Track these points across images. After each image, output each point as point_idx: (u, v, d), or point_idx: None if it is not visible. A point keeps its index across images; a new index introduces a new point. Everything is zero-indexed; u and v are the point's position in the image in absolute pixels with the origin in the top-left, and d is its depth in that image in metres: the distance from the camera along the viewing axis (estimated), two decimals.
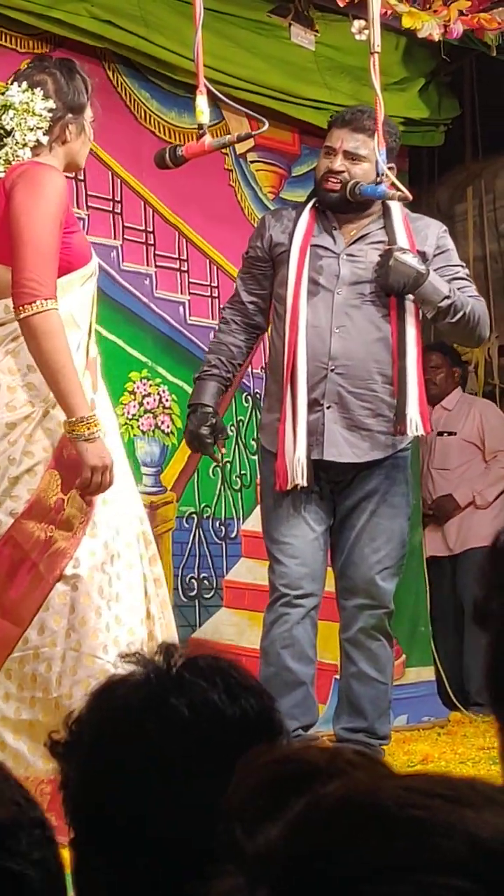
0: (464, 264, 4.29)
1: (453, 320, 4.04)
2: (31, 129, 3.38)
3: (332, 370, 3.99)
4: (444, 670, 5.76)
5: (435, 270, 4.03)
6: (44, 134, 3.40)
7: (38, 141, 3.40)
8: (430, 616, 5.82)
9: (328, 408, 3.99)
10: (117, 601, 3.31)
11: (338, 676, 4.37)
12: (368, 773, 0.79)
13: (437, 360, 6.03)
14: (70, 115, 3.44)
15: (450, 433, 6.04)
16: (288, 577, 3.97)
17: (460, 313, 4.02)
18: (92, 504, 3.30)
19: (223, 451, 4.20)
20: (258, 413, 4.97)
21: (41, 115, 3.39)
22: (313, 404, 3.97)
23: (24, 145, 3.39)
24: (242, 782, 0.83)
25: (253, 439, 5.24)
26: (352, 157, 4.01)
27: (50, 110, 3.41)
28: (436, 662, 5.78)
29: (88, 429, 3.23)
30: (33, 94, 3.40)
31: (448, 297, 3.99)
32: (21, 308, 3.23)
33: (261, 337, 4.33)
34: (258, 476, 4.51)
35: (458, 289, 4.07)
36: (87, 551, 3.28)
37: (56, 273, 3.28)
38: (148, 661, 1.19)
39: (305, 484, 3.91)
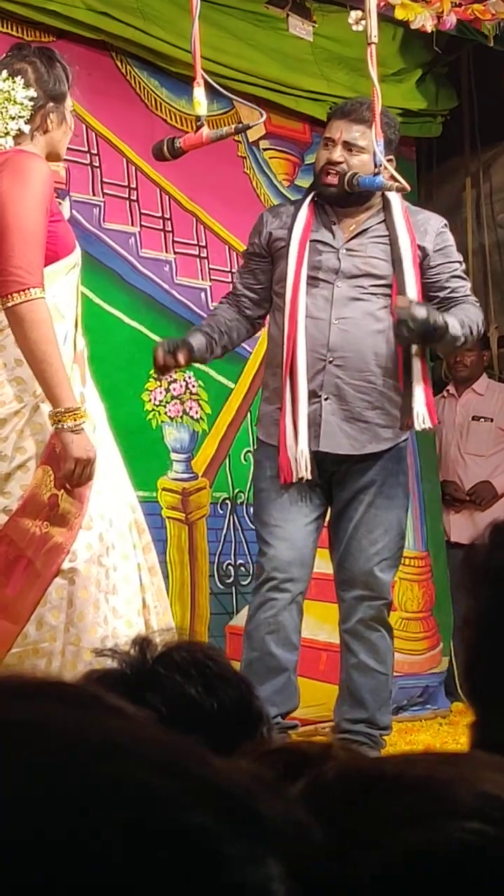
0: (461, 260, 4.27)
1: (460, 345, 4.09)
2: (13, 118, 3.35)
3: (330, 361, 3.98)
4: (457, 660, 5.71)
5: (433, 267, 4.04)
6: (25, 123, 3.37)
7: (19, 130, 3.36)
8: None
9: (326, 399, 3.98)
10: (114, 593, 3.30)
11: None
12: (360, 757, 0.79)
13: None
14: (51, 104, 3.41)
15: (486, 419, 5.95)
16: (277, 561, 3.96)
17: (468, 339, 4.05)
18: (85, 497, 3.29)
19: (181, 363, 4.04)
20: None
21: (22, 104, 3.36)
22: (311, 395, 3.97)
23: (6, 134, 3.36)
24: None
25: None
26: (351, 147, 4.00)
27: (31, 99, 3.37)
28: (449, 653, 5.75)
29: (74, 420, 3.21)
30: (14, 82, 3.36)
31: (463, 338, 3.99)
32: (9, 297, 3.20)
33: (256, 330, 4.30)
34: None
35: (456, 288, 4.08)
36: (84, 544, 3.26)
37: (43, 261, 3.25)
38: (124, 656, 1.18)
39: (310, 477, 3.91)
